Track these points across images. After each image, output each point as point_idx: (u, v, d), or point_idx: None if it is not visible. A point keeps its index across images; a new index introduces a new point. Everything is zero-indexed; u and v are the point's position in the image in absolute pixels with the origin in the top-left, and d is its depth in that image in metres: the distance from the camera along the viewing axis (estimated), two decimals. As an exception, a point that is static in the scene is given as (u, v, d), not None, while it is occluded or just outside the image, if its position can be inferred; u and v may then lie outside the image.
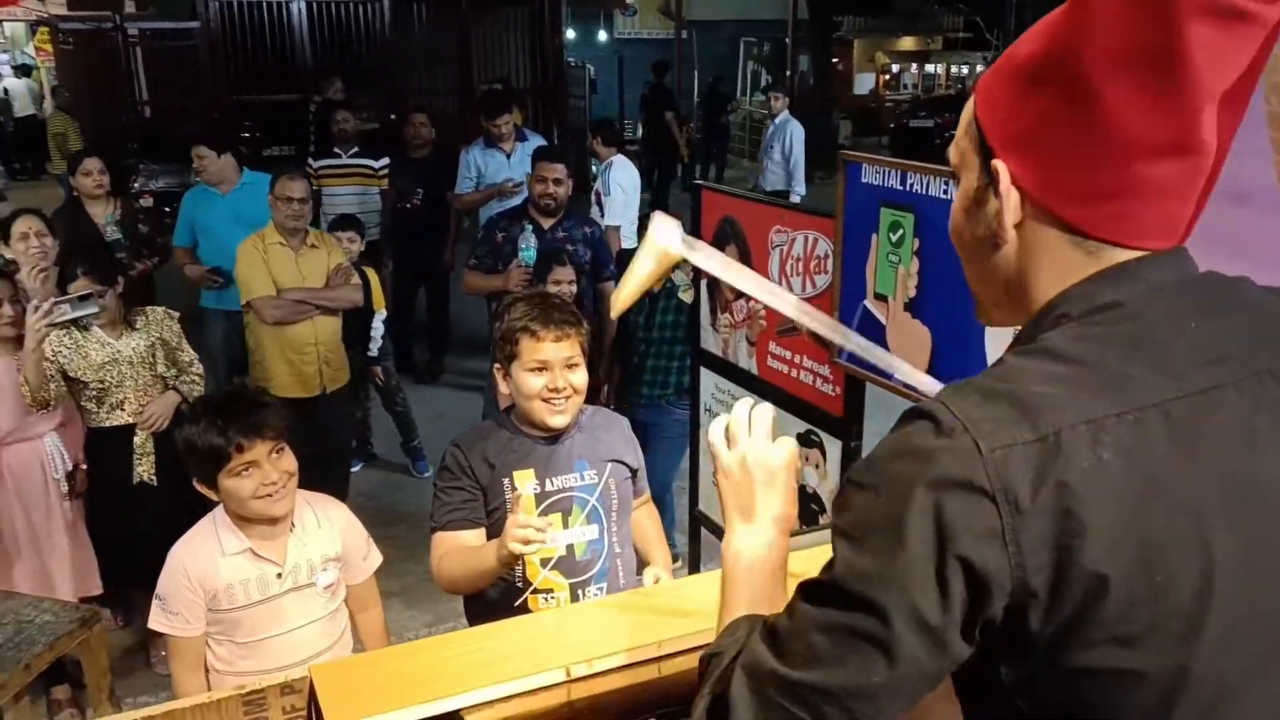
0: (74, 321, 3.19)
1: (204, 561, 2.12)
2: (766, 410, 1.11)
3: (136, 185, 8.60)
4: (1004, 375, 0.78)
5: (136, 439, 3.35)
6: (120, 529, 3.38)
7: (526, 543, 1.80)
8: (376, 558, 2.38)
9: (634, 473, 2.22)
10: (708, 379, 4.02)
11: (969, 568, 0.73)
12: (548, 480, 2.07)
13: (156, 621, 2.12)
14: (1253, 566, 0.75)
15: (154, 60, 12.18)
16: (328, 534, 2.26)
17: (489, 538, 2.05)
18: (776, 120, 8.78)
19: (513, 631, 1.63)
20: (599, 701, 1.49)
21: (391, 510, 4.82)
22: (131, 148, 11.11)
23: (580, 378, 2.07)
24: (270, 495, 2.11)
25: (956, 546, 0.73)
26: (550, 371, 2.03)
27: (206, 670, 2.16)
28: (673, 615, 1.65)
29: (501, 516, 2.03)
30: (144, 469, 3.36)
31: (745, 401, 1.13)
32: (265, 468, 2.10)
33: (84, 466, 3.47)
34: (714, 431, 1.13)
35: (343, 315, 4.81)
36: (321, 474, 4.35)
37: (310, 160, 6.40)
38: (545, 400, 2.04)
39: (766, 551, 1.03)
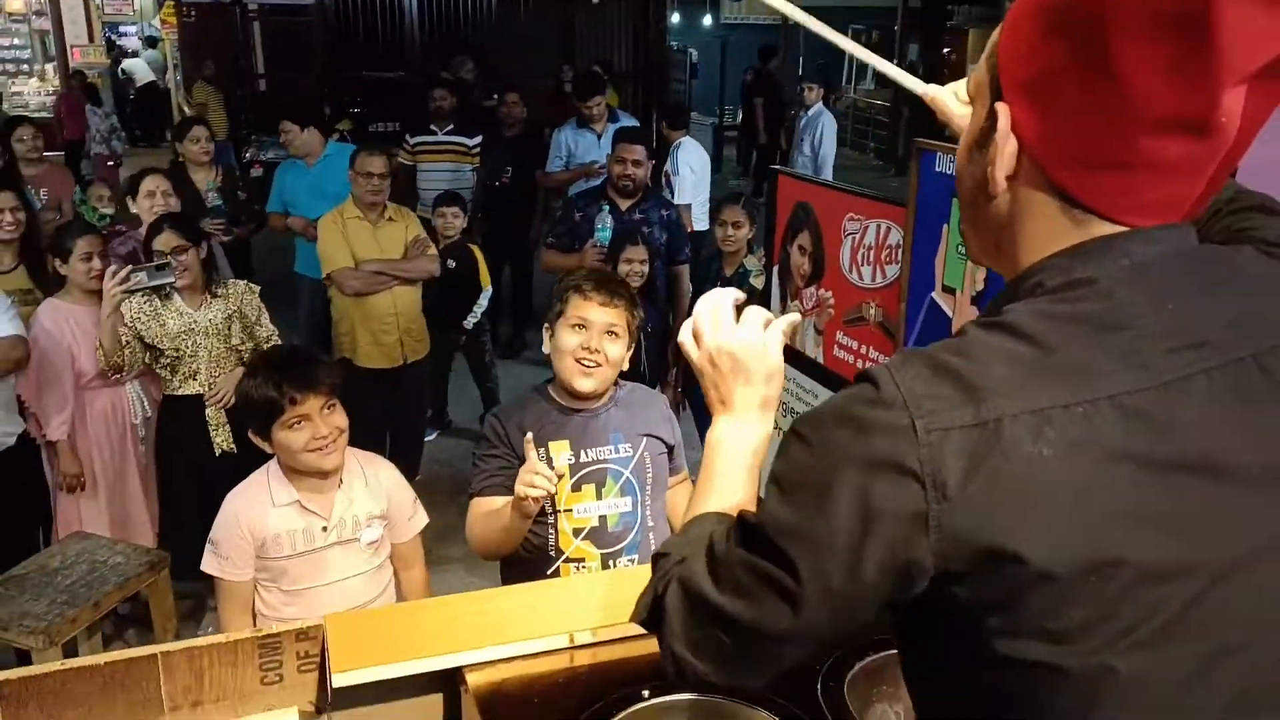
0: (154, 289, 3.26)
1: (255, 510, 2.21)
2: (725, 297, 1.09)
3: (248, 156, 8.94)
4: (960, 349, 0.74)
5: (209, 412, 3.43)
6: (189, 495, 3.44)
7: (531, 485, 1.86)
8: (422, 519, 2.44)
9: (670, 449, 2.23)
10: (774, 366, 3.99)
11: (890, 549, 0.72)
12: (583, 451, 2.10)
13: (209, 564, 2.21)
14: (1193, 578, 0.70)
15: (270, 35, 12.62)
16: (374, 493, 2.32)
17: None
18: (809, 112, 8.34)
19: (523, 596, 1.66)
20: (600, 669, 1.50)
21: (465, 478, 4.89)
22: (246, 119, 11.56)
23: (617, 350, 2.09)
24: (321, 449, 2.18)
25: (879, 527, 0.72)
26: (588, 331, 2.06)
27: (255, 615, 2.25)
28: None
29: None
30: (221, 439, 3.44)
31: (709, 295, 1.11)
32: (316, 422, 2.17)
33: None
34: (683, 333, 1.11)
35: (448, 290, 4.96)
36: (398, 439, 4.50)
37: (406, 137, 6.54)
38: (578, 359, 2.06)
39: (740, 440, 1.03)
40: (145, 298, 3.31)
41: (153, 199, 4.03)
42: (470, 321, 5.03)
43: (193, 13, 13.14)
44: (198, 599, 3.51)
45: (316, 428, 2.17)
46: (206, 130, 5.15)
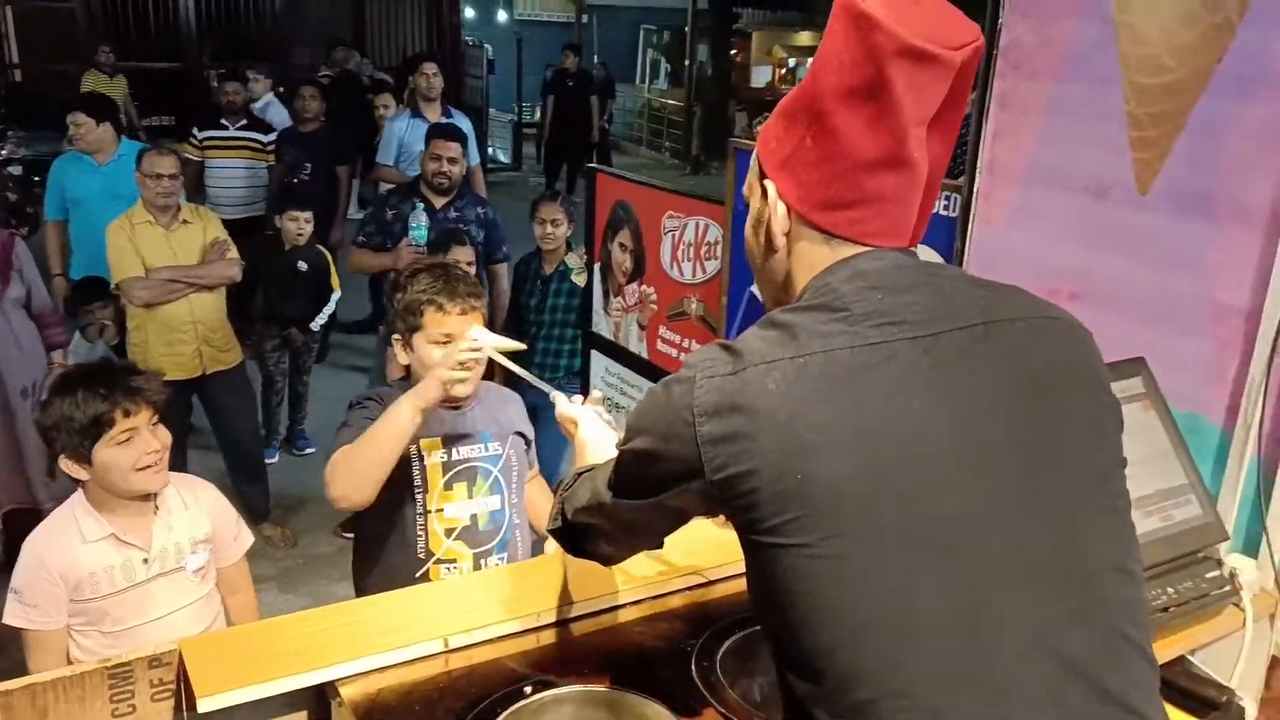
0: None
1: (63, 550, 2.02)
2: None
3: (4, 152, 8.15)
4: (741, 338, 1.01)
5: None
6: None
7: (452, 370, 1.88)
8: (248, 538, 2.32)
9: (529, 444, 2.24)
10: (598, 362, 4.05)
11: (676, 457, 1.00)
12: (454, 450, 2.08)
13: (13, 616, 2.00)
14: (874, 477, 0.93)
15: (25, 21, 11.55)
16: (195, 515, 2.18)
17: (391, 504, 2.04)
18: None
19: (391, 604, 1.62)
20: (477, 671, 1.49)
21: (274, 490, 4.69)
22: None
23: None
24: (151, 466, 2.03)
25: (671, 444, 1.01)
26: (454, 344, 2.03)
27: (70, 664, 2.07)
28: (553, 587, 1.66)
29: (409, 484, 2.04)
30: None
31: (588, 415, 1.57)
32: (146, 436, 2.03)
33: None
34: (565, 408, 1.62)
35: (295, 294, 4.79)
36: (230, 460, 4.25)
37: (194, 131, 6.18)
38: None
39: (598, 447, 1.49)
40: None
41: None
42: (318, 323, 4.87)
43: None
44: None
45: (147, 442, 2.03)
46: None
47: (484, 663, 1.51)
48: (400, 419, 1.90)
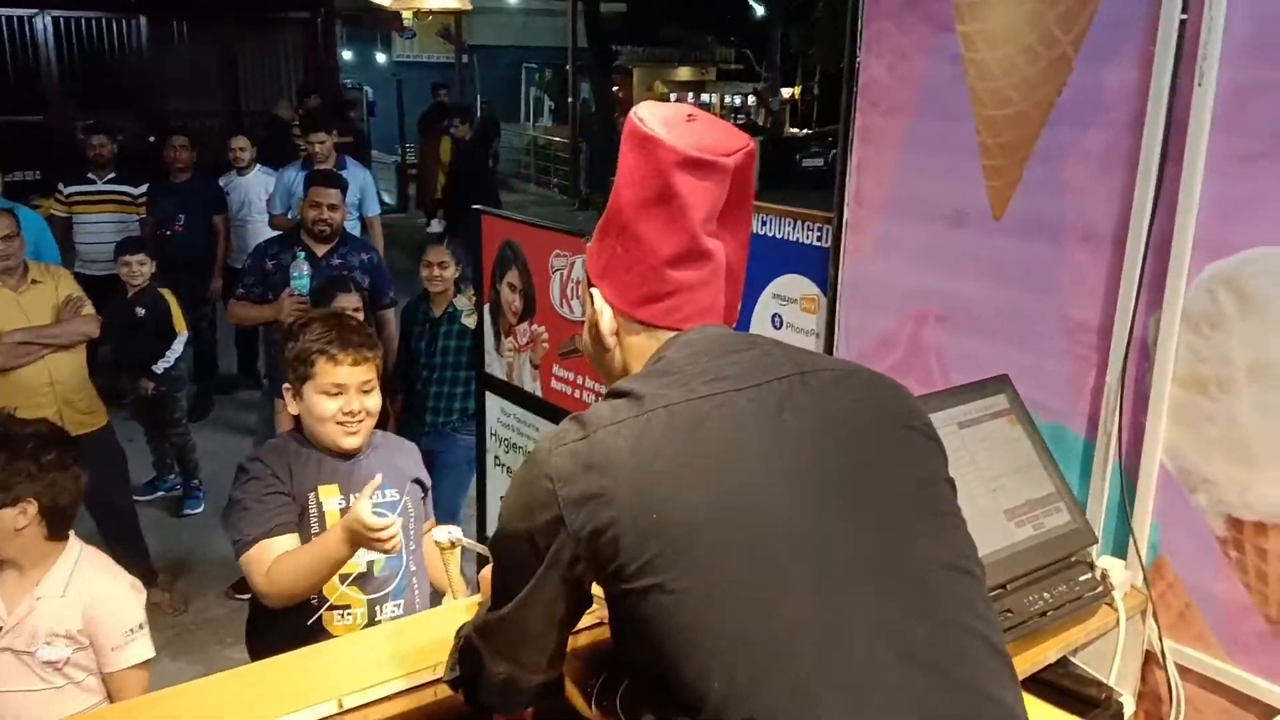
0: None
1: None
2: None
3: None
4: (590, 409, 1.11)
5: None
6: None
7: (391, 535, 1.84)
8: (139, 651, 2.15)
9: (425, 492, 2.23)
10: (493, 403, 4.03)
11: (542, 526, 1.06)
12: (351, 497, 2.05)
13: None
14: (720, 509, 1.01)
15: None
16: (70, 606, 2.06)
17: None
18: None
19: (283, 667, 1.58)
20: (374, 731, 1.47)
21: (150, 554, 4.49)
22: None
23: (375, 401, 2.09)
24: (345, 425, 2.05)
25: (536, 515, 1.07)
26: (346, 395, 2.04)
27: None
28: (450, 640, 1.65)
29: (305, 531, 2.01)
30: None
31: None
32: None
33: None
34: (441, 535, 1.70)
35: (135, 341, 4.63)
36: (105, 528, 4.05)
37: (60, 186, 5.95)
38: (340, 423, 2.04)
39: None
40: None
41: None
42: (161, 366, 4.69)
43: None
44: None
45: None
46: None
47: (382, 721, 1.48)
48: (333, 554, 1.90)
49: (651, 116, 1.16)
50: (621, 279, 1.19)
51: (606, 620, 1.77)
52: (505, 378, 3.92)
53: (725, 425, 1.06)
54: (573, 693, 1.58)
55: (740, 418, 1.06)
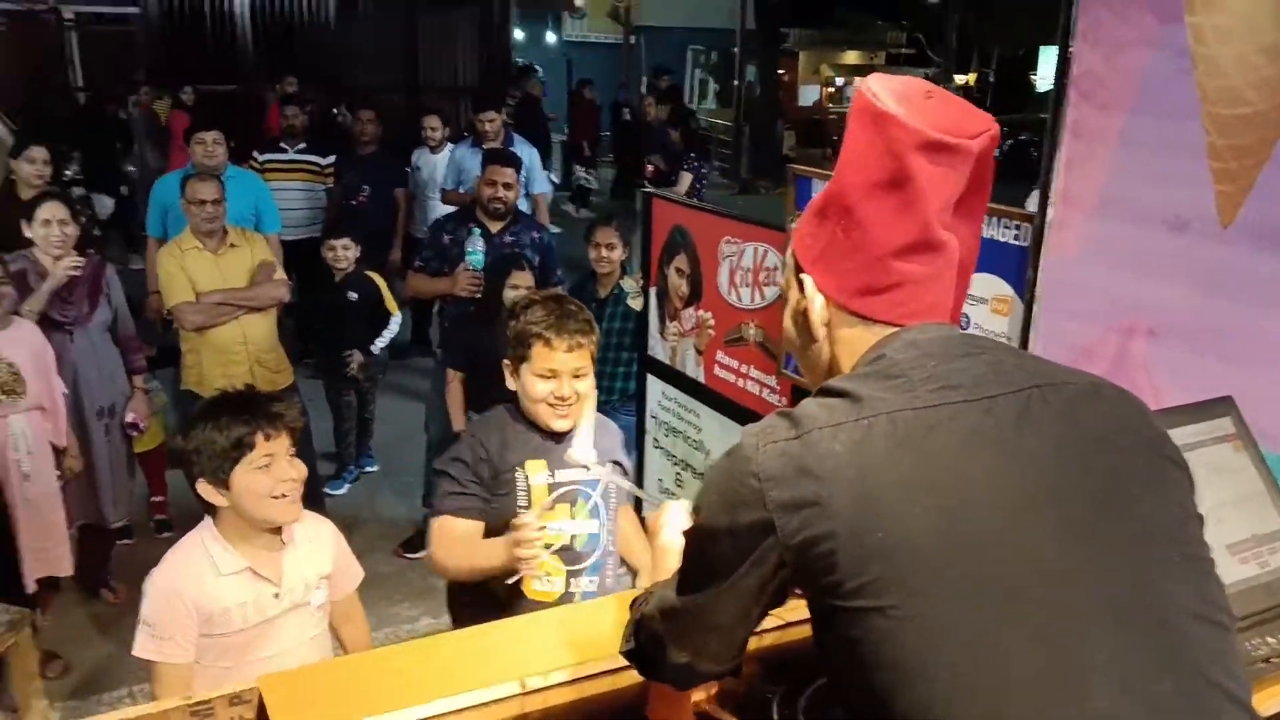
0: None
1: (196, 583, 1.98)
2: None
3: (69, 173, 8.35)
4: (800, 406, 1.05)
5: None
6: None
7: (528, 547, 1.92)
8: (359, 571, 2.31)
9: (625, 474, 2.30)
10: (654, 386, 4.03)
11: (746, 527, 1.01)
12: (557, 472, 2.13)
13: (145, 649, 1.94)
14: (951, 532, 0.94)
15: (89, 45, 11.87)
16: (319, 550, 2.16)
17: (493, 523, 2.09)
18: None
19: (471, 642, 1.62)
20: (553, 713, 1.49)
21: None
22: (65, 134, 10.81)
23: (586, 385, 2.14)
24: (286, 496, 2.02)
25: (739, 514, 1.02)
26: (558, 379, 2.10)
27: None
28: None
29: (511, 501, 2.10)
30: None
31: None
32: (283, 464, 2.01)
33: (73, 453, 3.53)
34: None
35: (350, 324, 4.80)
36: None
37: (255, 154, 6.29)
38: (551, 405, 2.11)
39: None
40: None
41: (49, 227, 3.59)
42: (378, 345, 4.87)
43: (3, 22, 12.22)
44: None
45: (284, 471, 2.00)
46: (44, 151, 4.60)
47: (559, 706, 1.50)
48: (490, 563, 2.02)
49: (885, 91, 1.06)
50: (839, 266, 1.10)
51: (787, 623, 1.74)
52: (668, 361, 3.92)
53: (956, 441, 0.98)
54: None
55: (973, 433, 0.98)
